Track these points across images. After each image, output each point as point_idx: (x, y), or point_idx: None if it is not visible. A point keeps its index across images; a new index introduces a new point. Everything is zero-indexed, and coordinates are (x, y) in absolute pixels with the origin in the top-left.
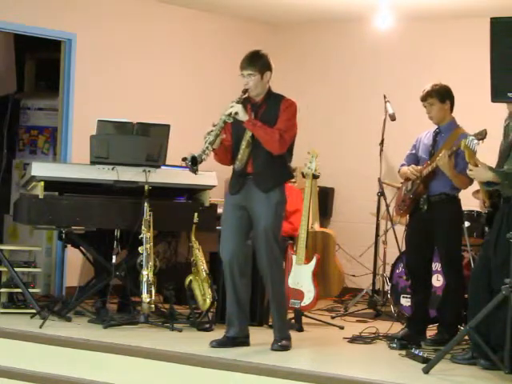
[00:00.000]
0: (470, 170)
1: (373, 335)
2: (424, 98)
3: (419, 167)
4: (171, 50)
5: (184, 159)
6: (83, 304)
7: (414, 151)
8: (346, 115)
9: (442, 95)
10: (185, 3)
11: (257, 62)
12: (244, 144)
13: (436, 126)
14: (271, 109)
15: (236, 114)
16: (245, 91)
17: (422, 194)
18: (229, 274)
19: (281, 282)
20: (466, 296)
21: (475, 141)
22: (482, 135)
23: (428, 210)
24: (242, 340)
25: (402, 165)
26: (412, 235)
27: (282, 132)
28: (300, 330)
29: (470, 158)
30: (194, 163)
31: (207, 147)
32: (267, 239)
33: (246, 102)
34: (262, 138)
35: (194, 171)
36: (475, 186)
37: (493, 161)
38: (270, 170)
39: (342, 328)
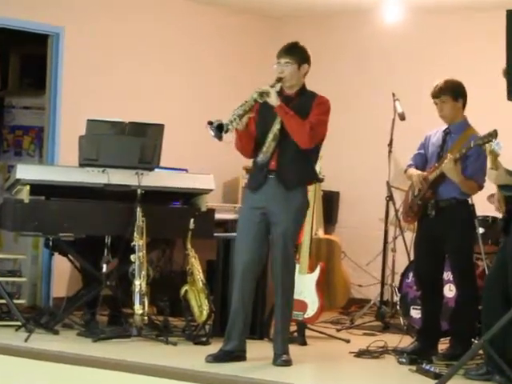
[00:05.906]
0: (489, 171)
1: (381, 349)
2: (436, 95)
3: (425, 173)
4: (167, 45)
5: (210, 123)
6: (71, 316)
7: (422, 150)
8: (352, 114)
9: (455, 92)
10: None
11: (296, 51)
12: (271, 136)
13: (446, 125)
14: (303, 104)
15: (267, 94)
16: (279, 79)
17: (429, 200)
18: (240, 280)
19: (291, 290)
20: (480, 307)
21: (501, 144)
22: (492, 136)
23: (437, 216)
24: (238, 354)
25: (410, 165)
26: (421, 243)
27: (313, 125)
28: (303, 343)
29: (494, 163)
30: (219, 130)
31: (235, 119)
32: (284, 246)
33: (277, 94)
34: (292, 128)
35: (219, 137)
36: (490, 190)
37: (504, 161)
38: (295, 167)
39: (348, 341)
